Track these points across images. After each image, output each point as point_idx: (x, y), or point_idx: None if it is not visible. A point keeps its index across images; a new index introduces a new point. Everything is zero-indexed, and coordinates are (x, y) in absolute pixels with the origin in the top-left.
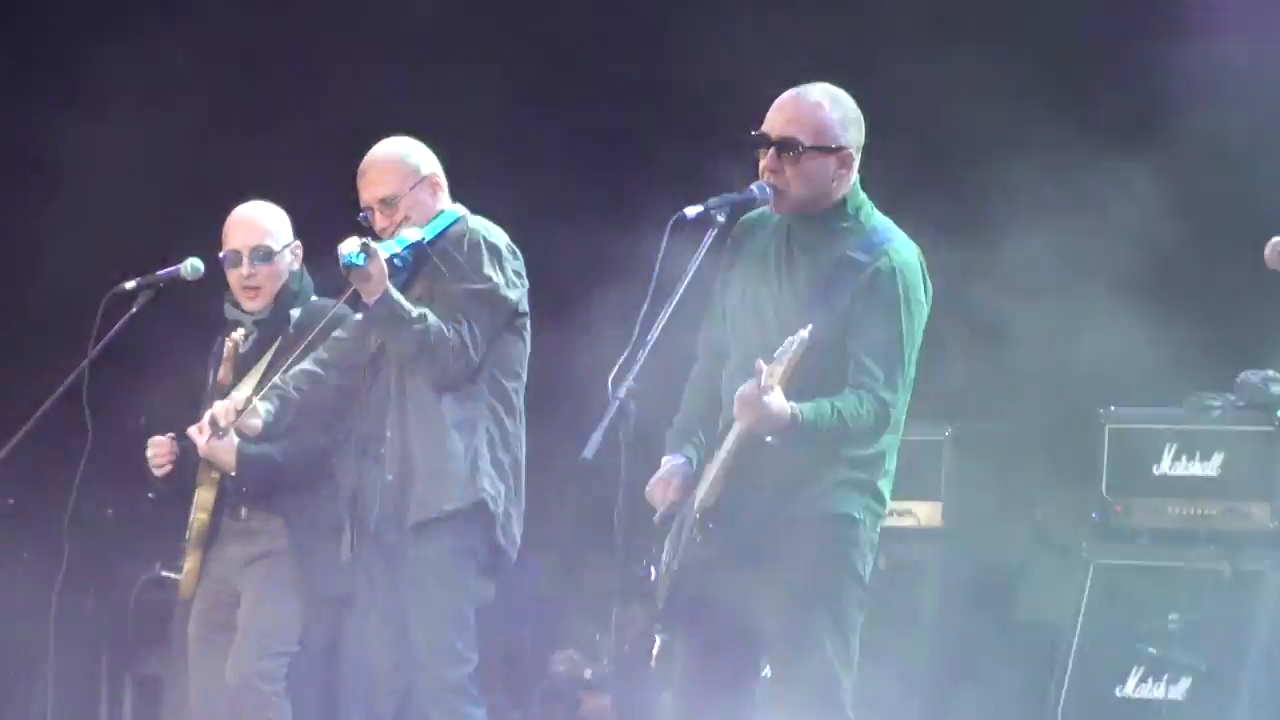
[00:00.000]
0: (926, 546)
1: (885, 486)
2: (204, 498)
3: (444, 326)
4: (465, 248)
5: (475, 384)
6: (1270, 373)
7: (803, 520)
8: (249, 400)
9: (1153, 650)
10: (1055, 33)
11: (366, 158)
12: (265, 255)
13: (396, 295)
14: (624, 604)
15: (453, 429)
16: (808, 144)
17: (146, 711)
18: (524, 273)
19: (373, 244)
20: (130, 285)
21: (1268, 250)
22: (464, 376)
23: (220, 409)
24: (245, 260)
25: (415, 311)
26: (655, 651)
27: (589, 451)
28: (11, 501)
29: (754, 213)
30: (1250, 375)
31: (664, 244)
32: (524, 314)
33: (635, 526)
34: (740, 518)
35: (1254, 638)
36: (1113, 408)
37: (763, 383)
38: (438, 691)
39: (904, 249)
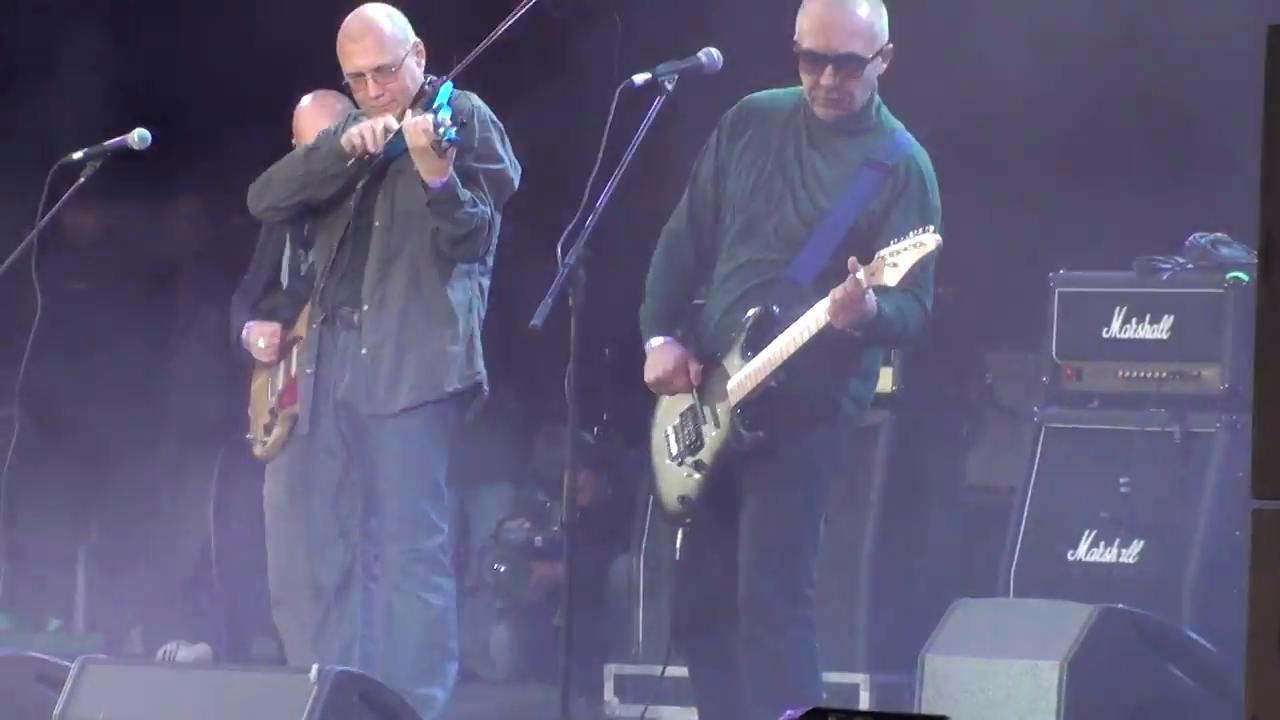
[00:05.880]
0: (878, 412)
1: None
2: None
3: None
4: (477, 125)
5: (473, 264)
6: (1220, 235)
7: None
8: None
9: (1104, 513)
10: None
11: (354, 22)
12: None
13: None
14: (575, 471)
15: (455, 310)
16: (869, 55)
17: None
18: None
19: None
20: (77, 155)
21: None
22: (480, 258)
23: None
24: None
25: (466, 194)
26: (679, 543)
27: (538, 319)
28: None
29: (761, 96)
30: (1200, 237)
31: (612, 111)
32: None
33: (586, 394)
34: (776, 411)
35: (1203, 500)
36: (1062, 271)
37: (863, 284)
38: (409, 561)
39: (922, 155)
